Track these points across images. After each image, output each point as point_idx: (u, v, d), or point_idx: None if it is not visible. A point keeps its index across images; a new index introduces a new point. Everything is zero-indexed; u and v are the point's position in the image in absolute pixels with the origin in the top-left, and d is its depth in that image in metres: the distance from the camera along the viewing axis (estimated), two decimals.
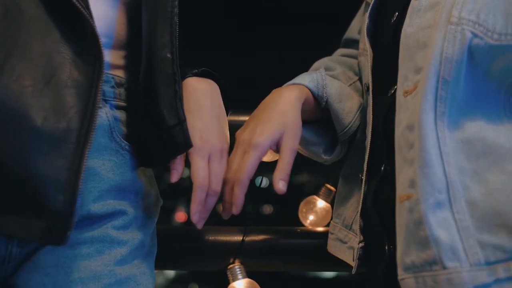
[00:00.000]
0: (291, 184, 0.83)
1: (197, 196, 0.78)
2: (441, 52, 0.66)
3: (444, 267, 0.62)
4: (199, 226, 0.82)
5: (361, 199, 0.84)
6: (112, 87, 0.80)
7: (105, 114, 0.78)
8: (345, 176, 0.96)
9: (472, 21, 0.66)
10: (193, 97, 0.80)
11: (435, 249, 0.63)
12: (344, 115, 0.89)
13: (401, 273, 0.67)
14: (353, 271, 0.85)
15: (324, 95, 0.87)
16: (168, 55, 0.77)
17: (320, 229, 1.08)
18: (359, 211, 0.85)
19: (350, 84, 0.95)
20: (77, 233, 0.74)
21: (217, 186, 0.79)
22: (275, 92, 0.86)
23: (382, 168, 0.79)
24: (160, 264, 0.93)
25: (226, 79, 0.87)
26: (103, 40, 0.73)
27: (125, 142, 0.80)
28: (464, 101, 0.67)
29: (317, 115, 0.91)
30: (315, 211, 1.12)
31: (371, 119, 0.83)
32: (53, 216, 0.66)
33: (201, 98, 0.81)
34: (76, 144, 0.67)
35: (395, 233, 0.70)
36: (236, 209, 0.81)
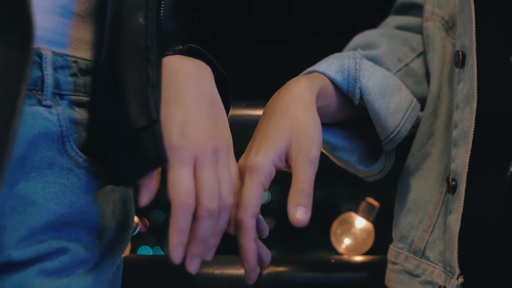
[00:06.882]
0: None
1: (178, 222, 0.57)
2: None
3: None
4: (192, 269, 0.59)
5: (460, 213, 0.67)
6: (73, 75, 0.63)
7: (55, 116, 0.60)
8: (407, 182, 0.79)
9: None
10: (171, 81, 0.62)
11: None
12: (389, 116, 0.71)
13: None
14: None
15: (357, 90, 0.70)
16: (141, 21, 0.60)
17: (359, 258, 0.94)
18: (454, 230, 0.67)
19: (400, 70, 0.79)
20: None
21: (210, 203, 0.58)
22: (278, 91, 0.70)
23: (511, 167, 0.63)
24: None
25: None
26: (59, 1, 0.59)
27: (84, 156, 0.62)
28: None
29: (346, 114, 0.74)
30: (354, 233, 0.96)
31: (475, 100, 0.66)
32: None
33: (182, 81, 0.62)
34: None
35: None
36: (248, 264, 0.61)
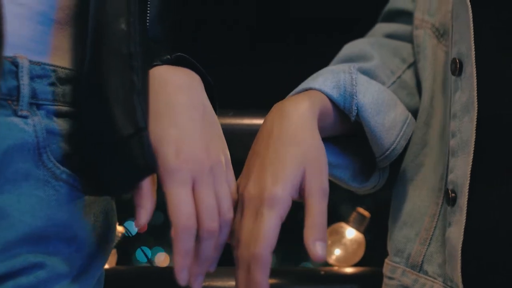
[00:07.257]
0: None
1: (181, 244, 0.57)
2: None
3: None
4: (196, 287, 0.60)
5: (462, 227, 0.64)
6: (52, 84, 0.61)
7: (32, 127, 0.59)
8: (401, 194, 0.76)
9: None
10: (162, 93, 0.61)
11: None
12: (384, 133, 0.70)
13: None
14: None
15: (354, 107, 0.68)
16: (123, 27, 0.59)
17: (350, 269, 0.93)
18: (456, 244, 0.65)
19: (394, 82, 0.78)
20: None
21: (211, 223, 0.58)
22: (277, 110, 0.68)
23: None
24: None
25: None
26: (37, 8, 0.57)
27: (63, 168, 0.60)
28: None
29: (341, 130, 0.73)
30: (344, 244, 0.95)
31: (475, 109, 0.64)
32: None
33: (173, 92, 0.61)
34: None
35: None
36: None
